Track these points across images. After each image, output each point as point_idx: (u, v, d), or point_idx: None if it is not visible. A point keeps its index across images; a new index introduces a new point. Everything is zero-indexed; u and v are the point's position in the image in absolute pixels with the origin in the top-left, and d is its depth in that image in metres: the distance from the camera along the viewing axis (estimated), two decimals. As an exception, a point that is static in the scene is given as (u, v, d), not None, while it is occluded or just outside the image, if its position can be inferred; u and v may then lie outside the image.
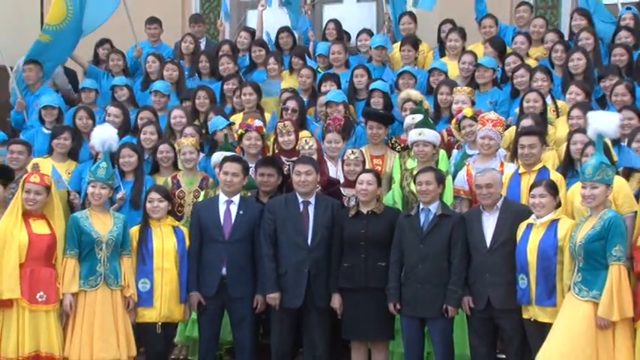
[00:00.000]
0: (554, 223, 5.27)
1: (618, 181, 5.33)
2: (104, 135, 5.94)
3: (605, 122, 5.25)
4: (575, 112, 6.38)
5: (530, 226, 5.33)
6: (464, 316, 5.57)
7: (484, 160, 6.06)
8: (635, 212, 5.19)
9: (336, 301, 5.72)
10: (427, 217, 5.59)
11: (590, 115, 5.46)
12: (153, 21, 9.25)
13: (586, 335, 4.89)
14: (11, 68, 8.49)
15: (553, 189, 5.36)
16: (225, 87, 8.02)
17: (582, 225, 5.11)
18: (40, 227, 5.51)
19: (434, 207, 5.59)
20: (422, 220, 5.59)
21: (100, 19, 8.47)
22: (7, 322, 5.36)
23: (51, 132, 7.20)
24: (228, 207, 5.87)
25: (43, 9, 10.38)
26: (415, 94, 7.09)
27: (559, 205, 5.41)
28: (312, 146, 6.34)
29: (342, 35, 8.75)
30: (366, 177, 5.78)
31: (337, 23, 8.78)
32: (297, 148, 6.44)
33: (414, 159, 6.21)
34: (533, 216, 5.35)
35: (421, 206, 5.62)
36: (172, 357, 6.29)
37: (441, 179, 5.65)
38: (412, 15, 8.74)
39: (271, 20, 9.21)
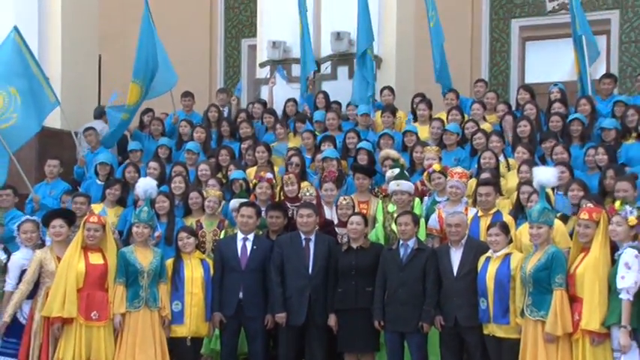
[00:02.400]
0: (507, 256, 5.24)
1: (557, 222, 5.31)
2: (146, 185, 5.97)
3: (546, 175, 5.26)
4: (524, 167, 6.36)
5: (488, 259, 5.30)
6: (436, 332, 5.50)
7: (452, 205, 6.02)
8: (569, 248, 5.15)
9: (332, 320, 5.66)
10: (406, 250, 5.55)
11: (535, 169, 5.46)
12: (187, 94, 9.33)
13: (541, 348, 4.86)
14: (75, 133, 8.51)
15: (506, 229, 5.34)
16: (242, 146, 8.03)
17: (530, 258, 5.07)
18: (95, 258, 5.53)
19: (411, 242, 5.56)
20: (402, 253, 5.55)
21: (159, 91, 8.58)
22: (67, 334, 5.40)
23: (104, 183, 7.23)
24: (245, 243, 5.84)
25: (101, 80, 10.41)
26: (393, 153, 7.10)
27: (511, 241, 5.38)
28: (312, 194, 6.34)
29: (329, 103, 8.79)
30: (355, 219, 5.75)
31: (325, 94, 8.84)
32: (299, 195, 6.42)
33: (394, 204, 6.18)
34: (490, 251, 5.31)
35: (401, 242, 5.59)
36: (199, 365, 6.19)
37: (416, 220, 5.65)
38: (391, 89, 8.79)
39: (280, 93, 9.30)
